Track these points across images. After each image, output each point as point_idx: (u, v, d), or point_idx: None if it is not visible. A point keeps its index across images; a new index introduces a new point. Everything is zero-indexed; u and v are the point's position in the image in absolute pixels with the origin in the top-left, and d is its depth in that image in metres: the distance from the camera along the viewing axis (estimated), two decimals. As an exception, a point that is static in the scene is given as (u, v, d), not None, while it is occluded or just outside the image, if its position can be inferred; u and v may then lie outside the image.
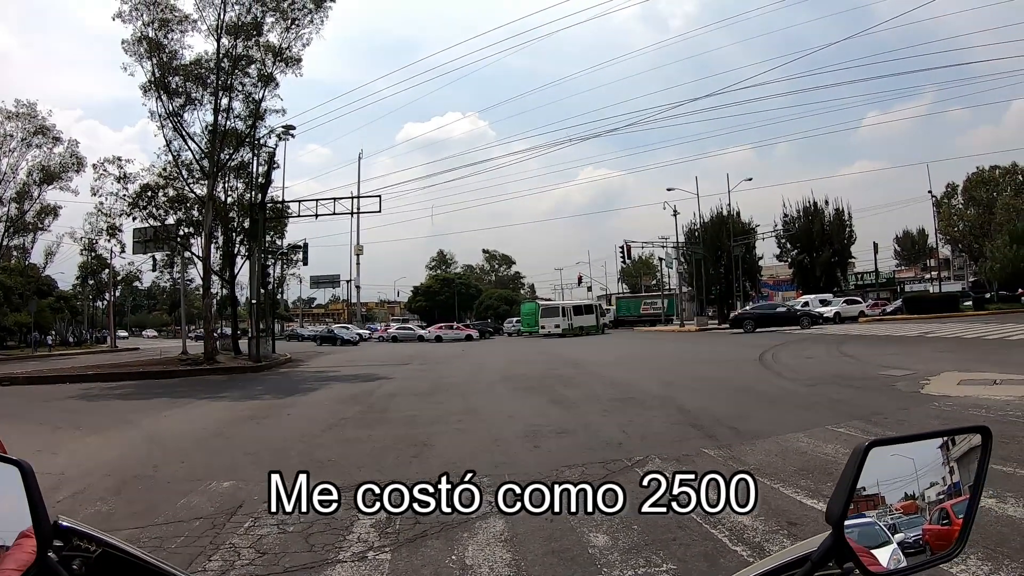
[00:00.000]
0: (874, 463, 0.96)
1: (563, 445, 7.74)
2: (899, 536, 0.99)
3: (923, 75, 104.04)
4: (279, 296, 51.45)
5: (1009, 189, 53.16)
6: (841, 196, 78.56)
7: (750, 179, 68.53)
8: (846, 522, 0.95)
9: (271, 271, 34.57)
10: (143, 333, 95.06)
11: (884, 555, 0.97)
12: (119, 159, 26.33)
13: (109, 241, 31.51)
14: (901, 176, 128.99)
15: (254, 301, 28.72)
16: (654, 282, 79.45)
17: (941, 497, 1.02)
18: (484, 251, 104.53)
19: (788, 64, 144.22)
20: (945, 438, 1.05)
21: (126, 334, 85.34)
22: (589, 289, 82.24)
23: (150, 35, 24.89)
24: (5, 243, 44.93)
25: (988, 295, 46.73)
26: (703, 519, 4.62)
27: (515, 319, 63.32)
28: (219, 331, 33.93)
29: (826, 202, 56.58)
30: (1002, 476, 5.17)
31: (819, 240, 55.17)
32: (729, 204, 56.49)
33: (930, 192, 55.07)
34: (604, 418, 9.62)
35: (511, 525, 4.67)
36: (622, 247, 53.92)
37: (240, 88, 26.94)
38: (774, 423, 8.55)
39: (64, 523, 0.92)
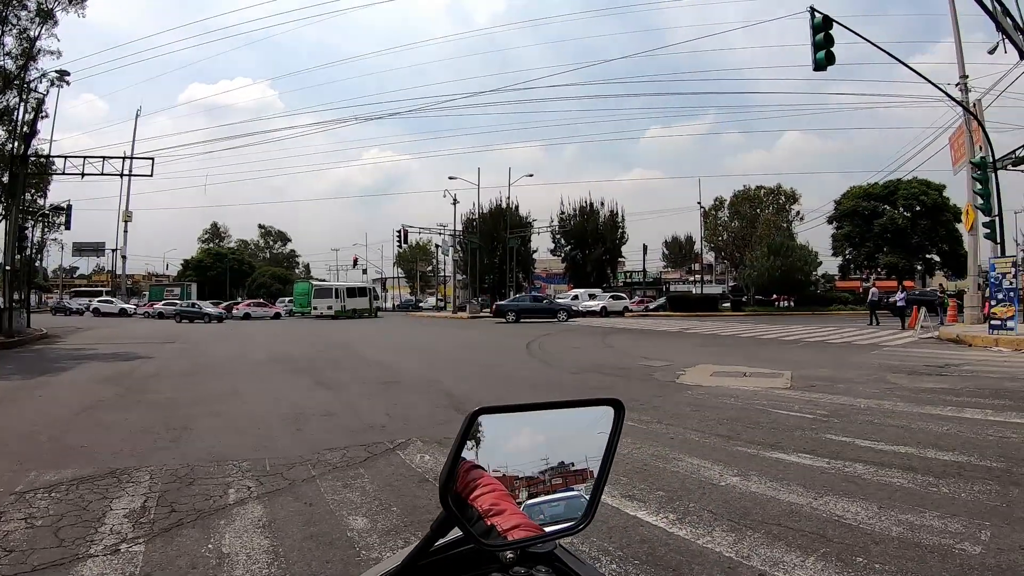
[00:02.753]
0: (498, 433, 1.00)
1: (327, 428, 7.75)
2: (555, 511, 1.02)
3: (705, 98, 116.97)
4: (38, 263, 45.08)
5: (771, 207, 60.42)
6: (618, 200, 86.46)
7: (531, 175, 73.00)
8: (528, 502, 1.00)
9: (29, 234, 30.35)
10: None
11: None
12: None
13: None
14: (676, 186, 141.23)
15: (8, 268, 25.13)
16: (430, 268, 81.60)
17: (575, 469, 1.04)
18: (260, 226, 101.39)
19: (582, 69, 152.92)
20: (570, 409, 1.09)
21: None
22: (364, 272, 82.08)
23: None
24: None
25: (745, 299, 53.53)
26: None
27: (287, 299, 61.85)
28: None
29: (602, 203, 62.28)
30: (746, 457, 6.01)
31: (592, 238, 60.29)
32: (509, 197, 59.78)
33: (699, 203, 61.26)
34: (370, 401, 9.68)
35: (270, 511, 4.65)
36: (399, 231, 54.45)
37: (15, 21, 23.13)
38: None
39: None
